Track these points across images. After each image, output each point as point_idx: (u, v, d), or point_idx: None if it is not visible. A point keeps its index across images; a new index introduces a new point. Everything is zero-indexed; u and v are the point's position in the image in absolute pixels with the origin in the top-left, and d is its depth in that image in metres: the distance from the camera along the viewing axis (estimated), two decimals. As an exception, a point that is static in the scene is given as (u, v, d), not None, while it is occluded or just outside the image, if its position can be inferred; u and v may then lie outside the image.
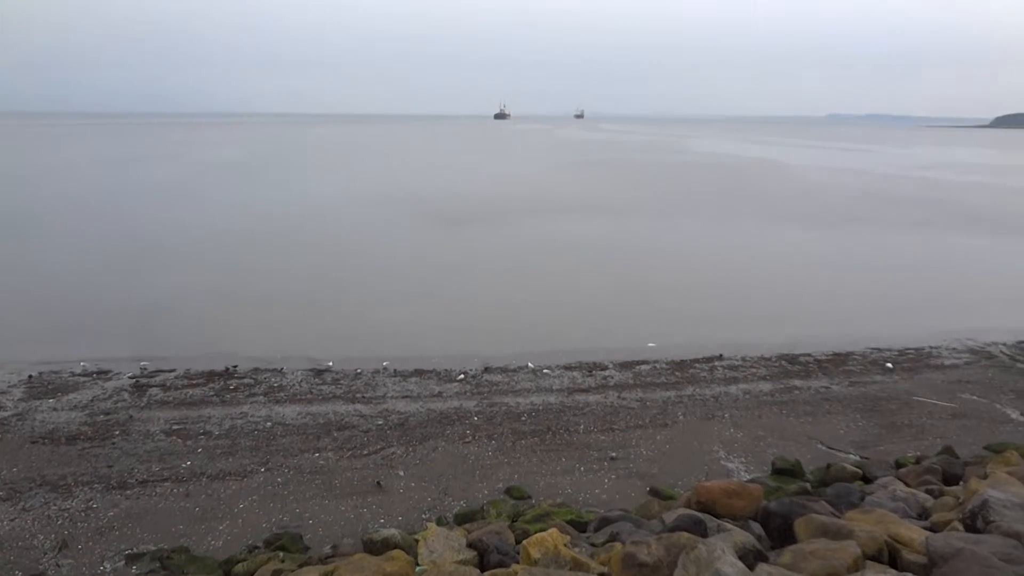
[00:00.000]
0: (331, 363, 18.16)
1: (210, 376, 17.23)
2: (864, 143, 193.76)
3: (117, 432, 14.09)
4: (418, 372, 17.71)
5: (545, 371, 17.90)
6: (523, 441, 13.93)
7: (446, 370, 17.87)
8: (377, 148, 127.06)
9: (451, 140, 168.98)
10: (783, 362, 19.00)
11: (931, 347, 20.54)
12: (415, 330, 21.28)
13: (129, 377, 17.10)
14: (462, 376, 17.46)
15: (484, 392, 16.51)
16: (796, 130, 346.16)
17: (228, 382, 16.88)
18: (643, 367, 18.38)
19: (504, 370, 17.95)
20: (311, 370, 17.74)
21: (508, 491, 11.92)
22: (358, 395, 16.23)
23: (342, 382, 17.01)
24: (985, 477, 7.91)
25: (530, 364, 18.31)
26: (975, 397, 16.69)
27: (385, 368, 17.92)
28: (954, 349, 20.44)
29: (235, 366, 17.90)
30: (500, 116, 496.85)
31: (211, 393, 16.21)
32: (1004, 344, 20.84)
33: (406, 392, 16.46)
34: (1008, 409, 15.97)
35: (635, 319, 22.75)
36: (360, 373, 17.59)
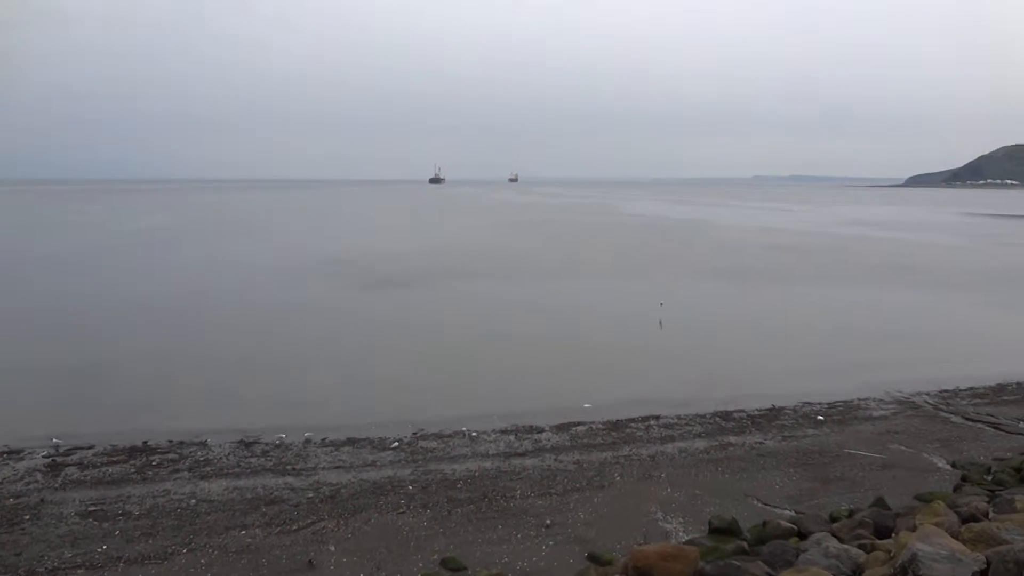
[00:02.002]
0: (261, 434, 17.58)
1: (131, 452, 16.46)
2: (787, 202, 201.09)
3: (27, 516, 13.26)
4: (351, 441, 17.25)
5: (481, 436, 17.64)
6: (459, 509, 13.60)
7: (380, 438, 17.45)
8: (309, 213, 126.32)
9: (385, 204, 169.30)
10: (718, 419, 19.14)
11: (859, 399, 20.98)
12: (348, 397, 20.84)
13: (43, 456, 16.21)
14: (396, 444, 17.07)
15: (419, 459, 16.15)
16: (723, 190, 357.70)
17: (150, 458, 16.14)
18: (579, 428, 18.29)
19: (439, 436, 17.63)
20: (239, 442, 17.12)
21: (443, 562, 11.56)
22: (288, 467, 15.69)
23: (272, 454, 16.44)
24: (914, 529, 7.99)
25: (465, 429, 18.04)
26: (903, 447, 17.03)
27: (317, 438, 17.42)
28: (881, 400, 20.92)
29: (157, 441, 17.15)
30: (435, 180, 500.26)
31: (132, 470, 15.46)
32: (927, 394, 21.43)
33: (338, 462, 15.98)
34: (934, 458, 16.32)
35: (570, 380, 22.74)
36: (291, 444, 17.04)
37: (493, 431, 17.96)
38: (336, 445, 16.98)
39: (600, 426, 18.45)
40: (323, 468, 15.63)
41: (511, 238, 74.40)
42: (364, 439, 17.37)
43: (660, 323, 30.90)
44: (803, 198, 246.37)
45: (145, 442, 17.05)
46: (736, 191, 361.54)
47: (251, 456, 16.30)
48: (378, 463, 15.94)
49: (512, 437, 17.61)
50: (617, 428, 18.30)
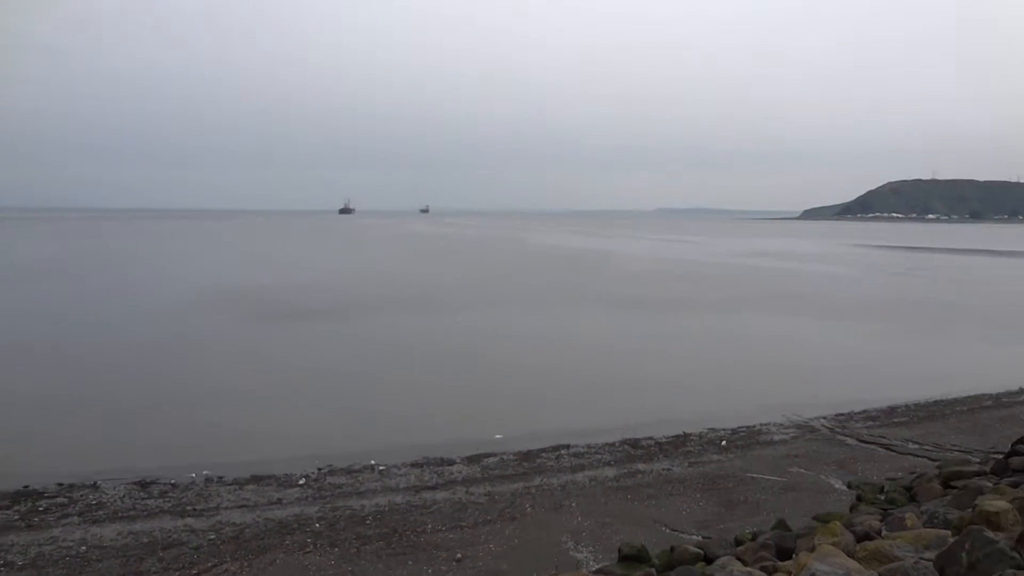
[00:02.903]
0: (159, 474, 16.80)
1: (15, 498, 15.46)
2: (690, 234, 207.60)
3: None
4: (255, 478, 16.69)
5: (391, 469, 17.36)
6: (368, 546, 13.30)
7: (286, 474, 16.95)
8: (211, 243, 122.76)
9: (293, 234, 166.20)
10: (627, 447, 19.41)
11: (761, 424, 21.64)
12: (253, 433, 20.18)
13: (-85, 505, 15.05)
14: (303, 480, 16.61)
15: (326, 496, 15.75)
16: (629, 222, 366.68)
17: (37, 503, 15.20)
18: (491, 459, 18.23)
19: (347, 471, 17.25)
20: (135, 483, 16.31)
21: (352, 602, 11.25)
22: (188, 507, 15.03)
23: (170, 494, 15.73)
24: (813, 550, 8.25)
25: (374, 462, 17.72)
26: (802, 470, 17.62)
27: (219, 476, 16.78)
28: (781, 425, 21.63)
29: (44, 484, 16.17)
30: (345, 211, 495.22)
31: (15, 517, 14.50)
32: (824, 418, 22.28)
33: (242, 501, 15.42)
34: (832, 479, 16.94)
35: (481, 410, 22.69)
36: (191, 483, 16.36)
37: (403, 464, 17.71)
38: (240, 483, 16.39)
39: (512, 457, 18.43)
40: (226, 508, 15.05)
41: (419, 268, 74.11)
42: (269, 476, 16.83)
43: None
44: (705, 230, 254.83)
45: (27, 486, 16.04)
46: (642, 223, 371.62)
47: (148, 498, 15.55)
48: (284, 501, 15.46)
49: (422, 470, 17.40)
50: (528, 458, 18.33)
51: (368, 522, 14.36)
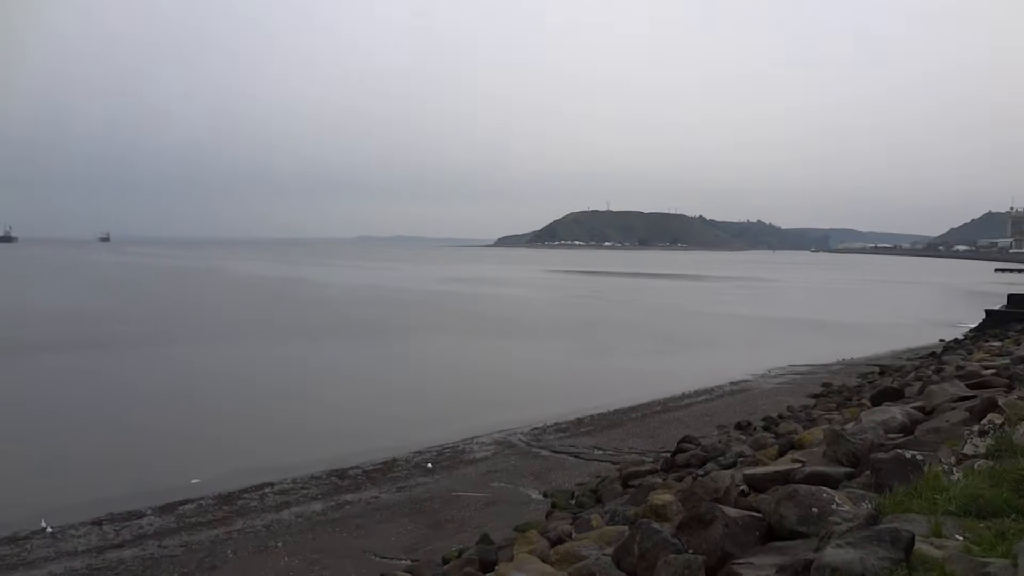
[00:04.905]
0: None
1: None
2: (391, 261, 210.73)
3: None
4: None
5: (66, 531, 15.40)
6: (39, 622, 11.69)
7: (-73, 552, 14.34)
8: None
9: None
10: (333, 478, 19.09)
11: (464, 443, 22.46)
12: None
13: None
14: (-49, 556, 14.18)
15: (-17, 571, 13.59)
16: (329, 250, 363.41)
17: None
18: (187, 507, 16.92)
19: (12, 540, 14.99)
20: None
21: None
22: None
23: None
24: (512, 559, 8.75)
25: (45, 524, 15.60)
26: (503, 484, 18.57)
27: None
28: (483, 443, 22.62)
29: None
30: (5, 239, 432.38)
31: None
32: (521, 432, 23.69)
33: None
34: (529, 491, 18.05)
35: (172, 455, 20.99)
36: None
37: (81, 524, 15.79)
38: None
39: (211, 501, 17.27)
40: None
41: (94, 303, 67.01)
42: (-97, 557, 14.14)
43: None
44: (405, 257, 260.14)
45: None
46: (342, 250, 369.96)
47: None
48: (-75, 584, 13.08)
49: (106, 527, 15.66)
50: (229, 501, 17.30)
51: (38, 595, 12.63)
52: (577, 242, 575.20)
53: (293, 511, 16.69)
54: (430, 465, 20.18)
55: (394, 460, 20.67)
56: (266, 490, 18.07)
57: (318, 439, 22.75)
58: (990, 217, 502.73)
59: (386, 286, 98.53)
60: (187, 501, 17.25)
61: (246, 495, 17.72)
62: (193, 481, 18.60)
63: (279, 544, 14.77)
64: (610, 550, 7.35)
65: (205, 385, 31.40)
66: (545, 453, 21.39)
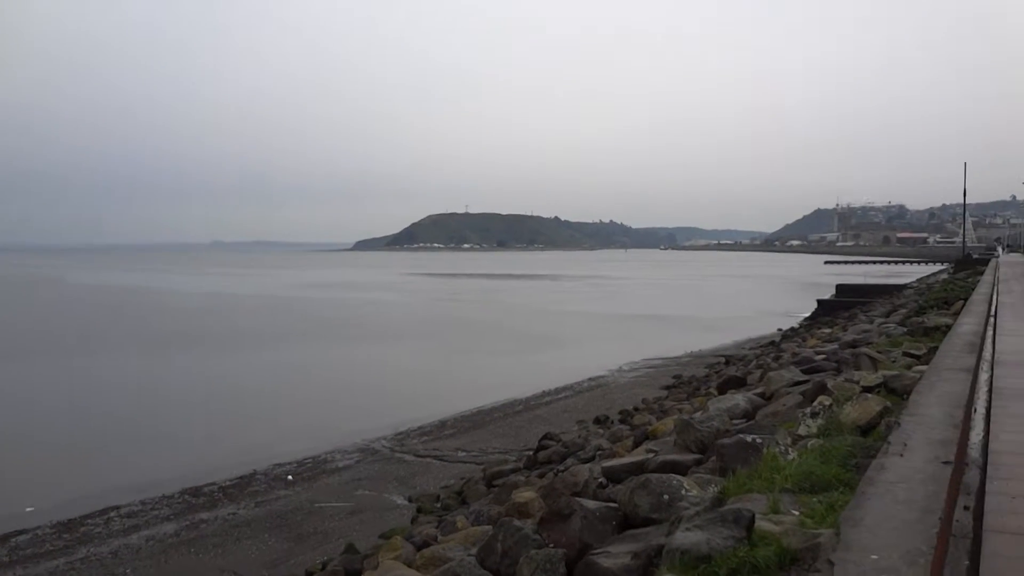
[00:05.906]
0: None
1: None
2: (244, 267, 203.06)
3: None
4: None
5: None
6: None
7: None
8: None
9: None
10: (187, 496, 18.22)
11: (326, 453, 21.97)
12: None
13: None
14: None
15: None
16: (180, 256, 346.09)
17: None
18: (21, 538, 15.66)
19: None
20: None
21: None
22: None
23: None
24: (376, 567, 8.69)
25: None
26: (368, 491, 18.33)
27: None
28: (346, 451, 22.22)
29: None
30: None
31: None
32: (385, 438, 23.45)
33: None
34: (394, 496, 17.92)
35: (3, 482, 19.39)
36: None
37: None
38: None
39: (49, 530, 16.06)
40: None
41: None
42: None
43: None
44: (260, 263, 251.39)
45: None
46: (195, 256, 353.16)
47: None
48: None
49: (-75, 568, 14.29)
50: (70, 529, 16.15)
51: None
52: (436, 244, 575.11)
53: (143, 534, 15.79)
54: (290, 477, 19.64)
55: (252, 474, 19.96)
56: (111, 514, 17.00)
57: (167, 457, 21.61)
58: (819, 214, 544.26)
59: (237, 292, 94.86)
60: (21, 532, 15.97)
61: (89, 521, 16.60)
62: (28, 509, 17.24)
63: (127, 571, 13.95)
64: (475, 550, 7.44)
65: (32, 408, 29.11)
66: (409, 458, 21.28)
